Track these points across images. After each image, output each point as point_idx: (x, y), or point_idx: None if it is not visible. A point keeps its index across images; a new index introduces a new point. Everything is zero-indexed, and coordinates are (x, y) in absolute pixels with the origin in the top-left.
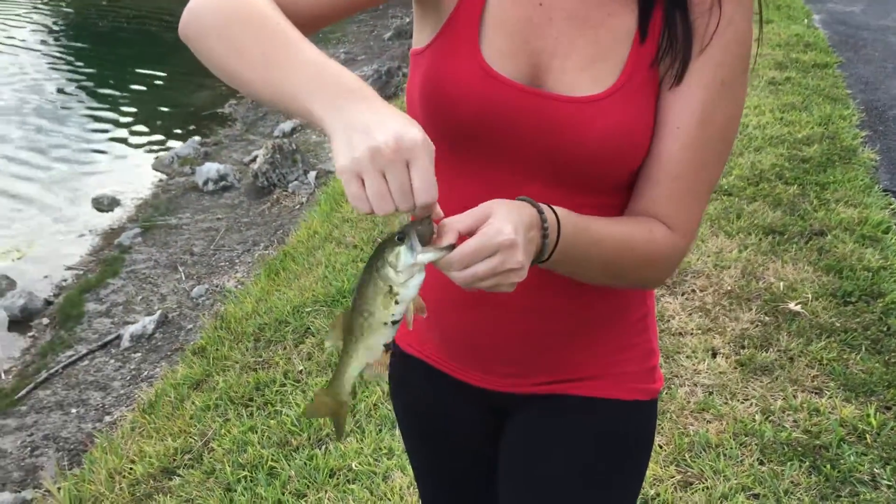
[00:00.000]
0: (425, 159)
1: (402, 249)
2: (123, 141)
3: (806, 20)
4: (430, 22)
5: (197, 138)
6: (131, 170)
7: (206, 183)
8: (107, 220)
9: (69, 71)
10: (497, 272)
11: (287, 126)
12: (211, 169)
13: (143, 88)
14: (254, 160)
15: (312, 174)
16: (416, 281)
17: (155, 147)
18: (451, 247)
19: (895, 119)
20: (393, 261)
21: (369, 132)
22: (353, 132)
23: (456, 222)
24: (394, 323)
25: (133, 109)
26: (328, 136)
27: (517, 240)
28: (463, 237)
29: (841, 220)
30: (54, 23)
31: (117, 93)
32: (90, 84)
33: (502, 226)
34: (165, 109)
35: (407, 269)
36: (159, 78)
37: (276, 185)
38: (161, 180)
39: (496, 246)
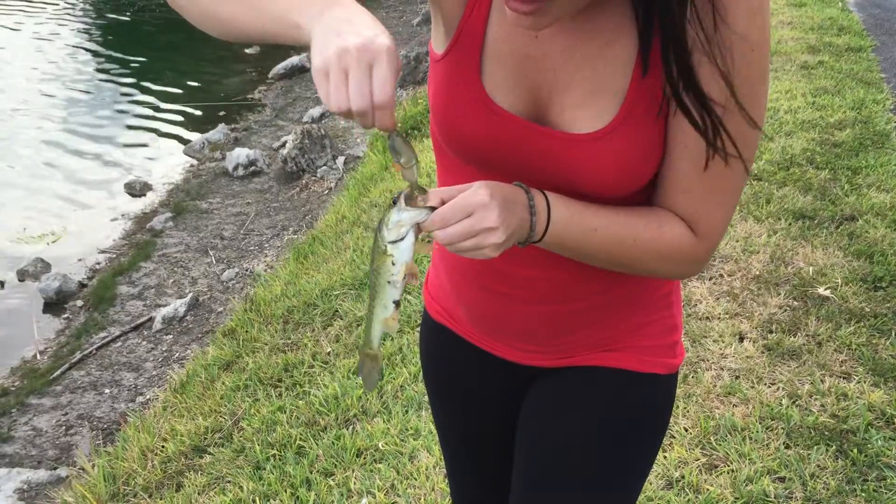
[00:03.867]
0: (386, 65)
1: (393, 210)
2: (155, 127)
3: (840, 3)
4: (439, 32)
5: (227, 124)
6: (163, 155)
7: (235, 168)
8: (139, 204)
9: (99, 58)
10: (474, 231)
11: (316, 112)
12: (241, 154)
13: (174, 75)
14: (283, 145)
15: (341, 159)
16: (406, 243)
17: (186, 133)
18: (432, 209)
19: None
20: (385, 220)
21: (342, 33)
22: (328, 33)
23: (440, 191)
24: (395, 283)
25: (164, 96)
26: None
27: (491, 202)
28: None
29: (872, 204)
30: (84, 10)
31: (148, 79)
32: (121, 71)
33: (478, 189)
34: (196, 95)
35: (395, 227)
36: (189, 64)
37: (305, 171)
38: (192, 166)
39: (471, 206)
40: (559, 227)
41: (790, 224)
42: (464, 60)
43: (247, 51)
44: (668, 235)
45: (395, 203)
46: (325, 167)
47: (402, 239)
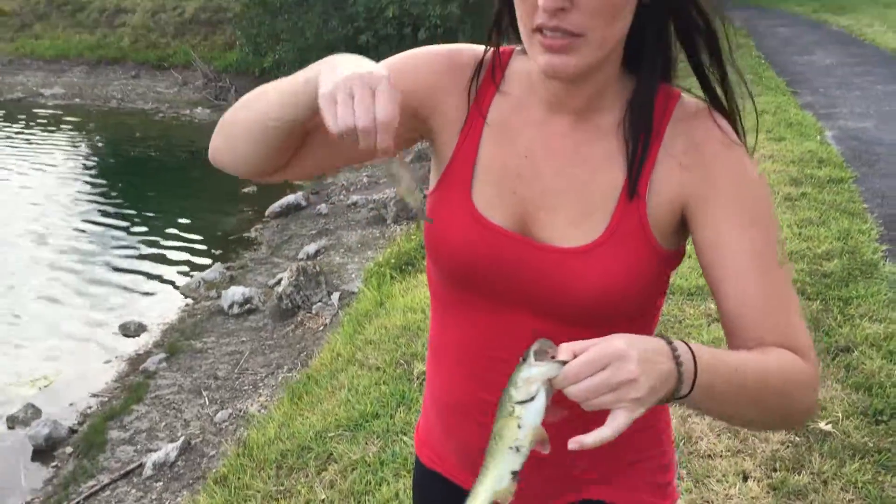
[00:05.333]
0: (387, 89)
1: (522, 365)
2: (152, 267)
3: (818, 136)
4: (437, 169)
5: (223, 262)
6: (159, 295)
7: (231, 306)
8: (133, 345)
9: (99, 199)
10: (610, 384)
11: (311, 248)
12: (236, 292)
13: (171, 215)
14: (278, 283)
15: (336, 295)
16: (536, 405)
17: (182, 272)
18: (564, 362)
19: None
20: (514, 378)
21: (347, 66)
22: (334, 69)
23: (574, 344)
24: (518, 449)
25: (161, 236)
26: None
27: (629, 352)
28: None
29: (867, 335)
30: (88, 153)
31: (146, 220)
32: (119, 211)
33: (613, 340)
34: (192, 235)
35: (524, 385)
36: (186, 205)
37: (301, 307)
38: (188, 305)
39: (606, 357)
40: (708, 375)
41: None
42: (456, 180)
43: (244, 190)
44: (790, 360)
45: (524, 360)
46: (320, 303)
47: (531, 399)
